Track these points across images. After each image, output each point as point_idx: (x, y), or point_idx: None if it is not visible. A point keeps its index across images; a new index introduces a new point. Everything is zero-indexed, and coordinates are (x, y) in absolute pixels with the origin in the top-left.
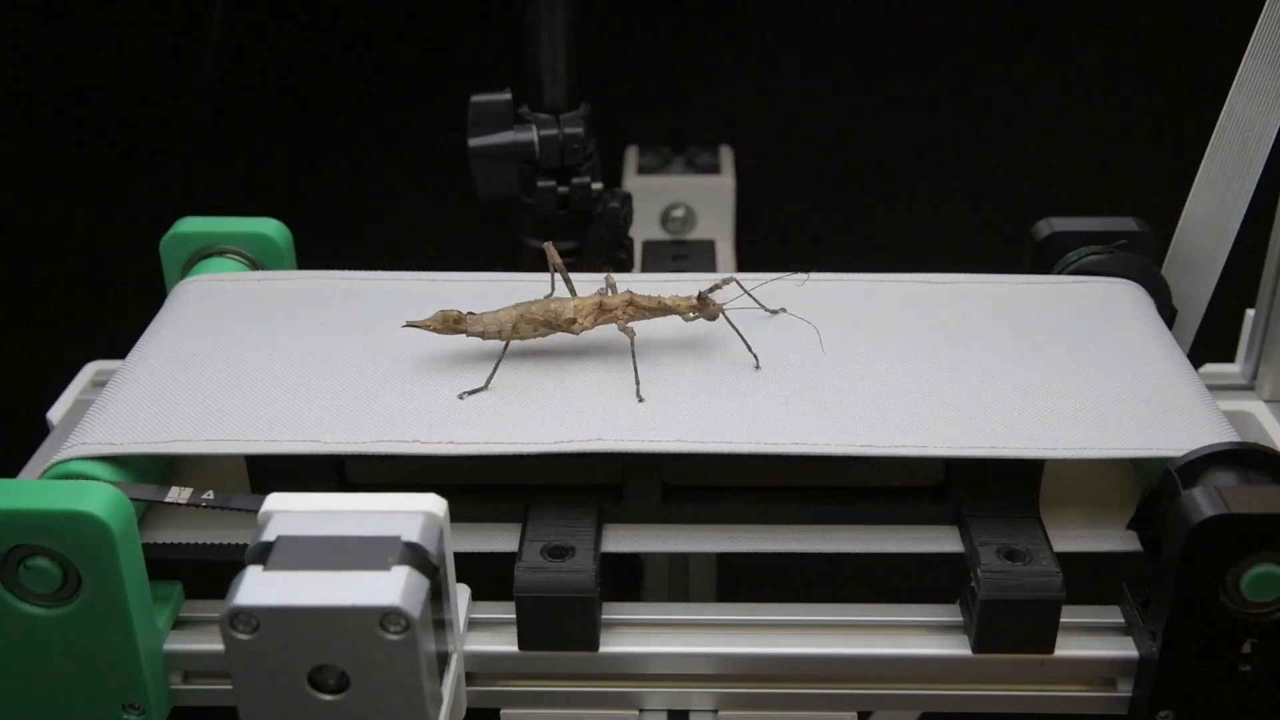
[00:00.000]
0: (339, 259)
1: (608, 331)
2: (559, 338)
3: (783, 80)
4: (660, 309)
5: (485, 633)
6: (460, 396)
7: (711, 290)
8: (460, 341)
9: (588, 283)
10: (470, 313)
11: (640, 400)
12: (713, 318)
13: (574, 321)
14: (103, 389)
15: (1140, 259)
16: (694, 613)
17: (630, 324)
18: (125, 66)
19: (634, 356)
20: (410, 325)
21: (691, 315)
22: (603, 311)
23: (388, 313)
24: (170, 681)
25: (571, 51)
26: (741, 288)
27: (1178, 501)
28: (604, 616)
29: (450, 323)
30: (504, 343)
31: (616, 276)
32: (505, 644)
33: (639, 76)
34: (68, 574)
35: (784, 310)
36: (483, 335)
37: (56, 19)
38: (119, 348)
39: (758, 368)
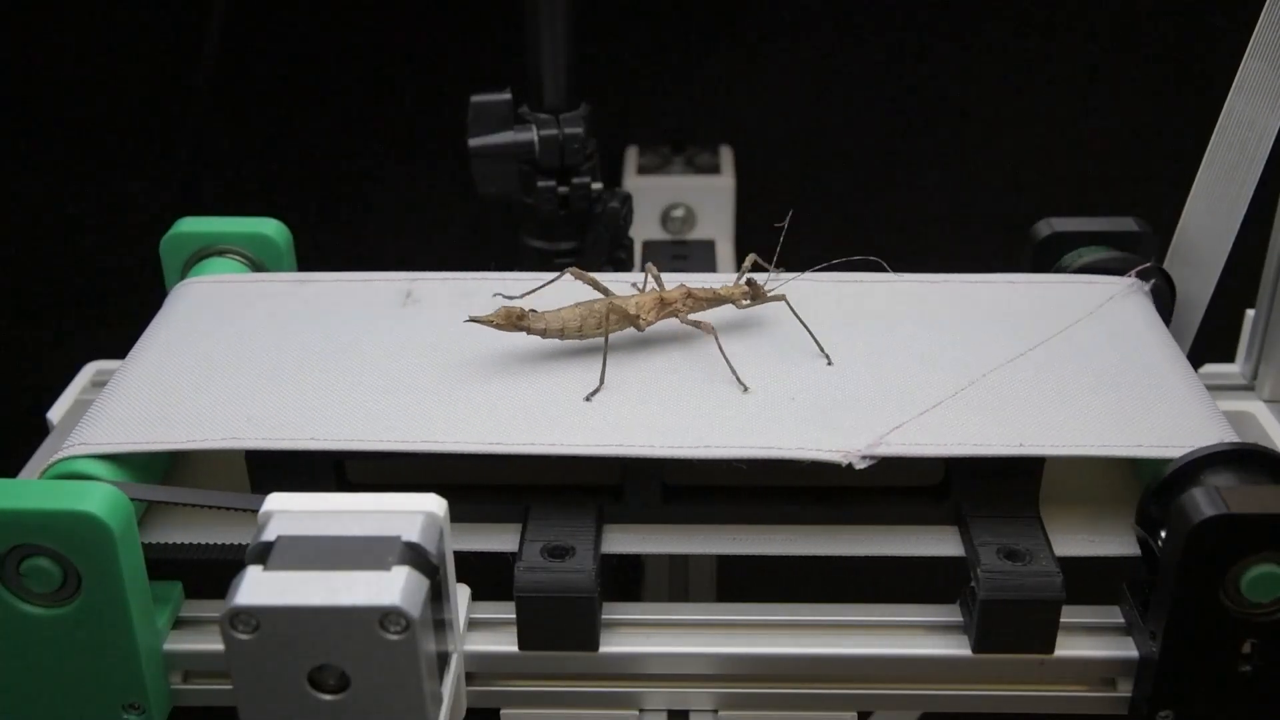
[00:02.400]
0: (339, 259)
1: (670, 325)
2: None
3: (783, 80)
4: (715, 299)
5: (485, 633)
6: (586, 399)
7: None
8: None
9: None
10: (533, 310)
11: (745, 390)
12: (763, 302)
13: (637, 317)
14: (103, 389)
15: (1138, 258)
16: (694, 613)
17: (698, 320)
18: (125, 66)
19: (722, 350)
20: (472, 320)
21: (745, 303)
22: (663, 306)
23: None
24: (170, 681)
25: (571, 51)
26: (761, 264)
27: (1178, 501)
28: (604, 616)
29: (513, 319)
30: (583, 339)
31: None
32: (505, 644)
33: (639, 76)
34: (68, 574)
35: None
36: (544, 333)
37: (56, 19)
38: (119, 348)
39: (830, 363)
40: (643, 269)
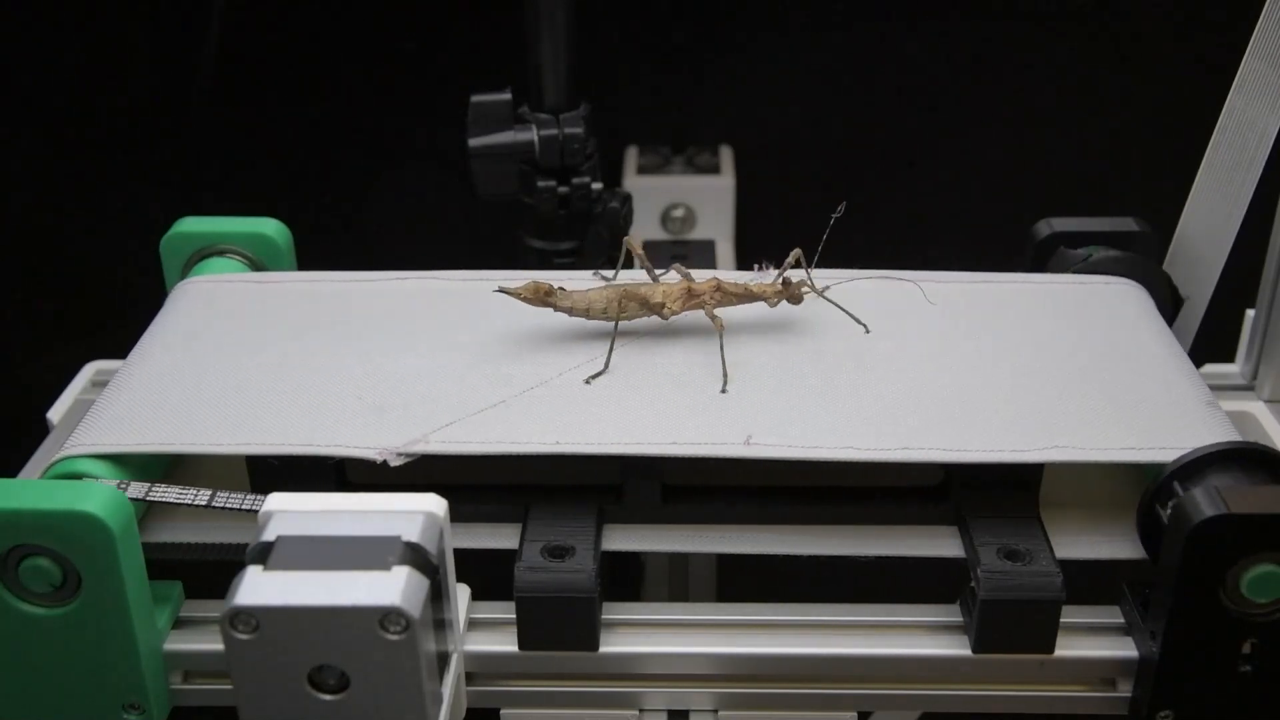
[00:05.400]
0: (339, 259)
1: (695, 316)
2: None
3: (783, 80)
4: (746, 295)
5: (485, 633)
6: (586, 381)
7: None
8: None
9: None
10: (561, 288)
11: (724, 392)
12: (797, 301)
13: (663, 306)
14: (103, 389)
15: (1140, 258)
16: (694, 613)
17: (716, 311)
18: (125, 66)
19: (722, 348)
20: (502, 290)
21: (776, 300)
22: (691, 296)
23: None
24: (170, 681)
25: (571, 51)
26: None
27: (1178, 502)
28: (604, 616)
29: (541, 294)
30: (613, 323)
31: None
32: (505, 644)
33: (639, 76)
34: (68, 574)
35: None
36: (570, 311)
37: (56, 19)
38: (119, 348)
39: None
40: (669, 268)
